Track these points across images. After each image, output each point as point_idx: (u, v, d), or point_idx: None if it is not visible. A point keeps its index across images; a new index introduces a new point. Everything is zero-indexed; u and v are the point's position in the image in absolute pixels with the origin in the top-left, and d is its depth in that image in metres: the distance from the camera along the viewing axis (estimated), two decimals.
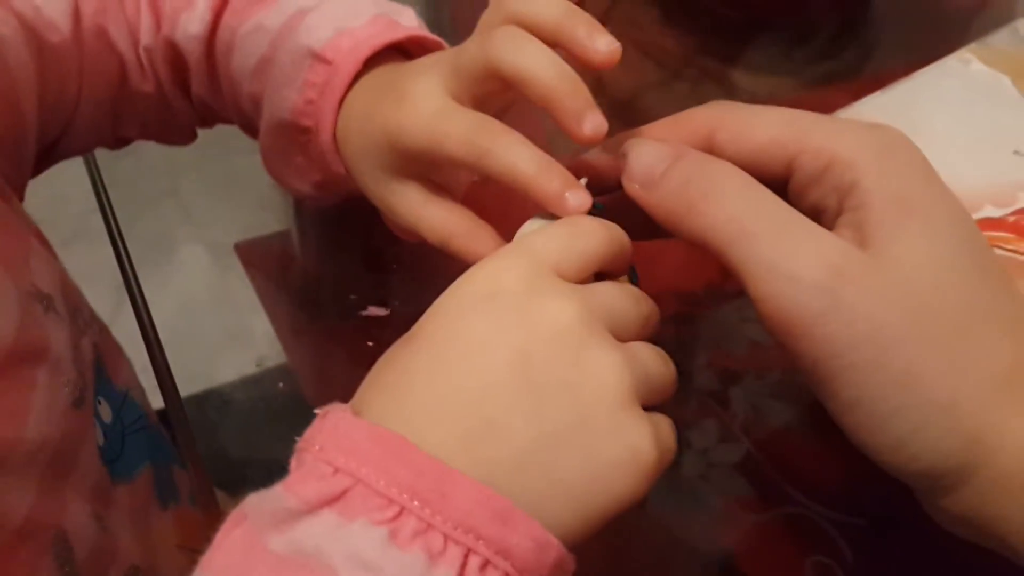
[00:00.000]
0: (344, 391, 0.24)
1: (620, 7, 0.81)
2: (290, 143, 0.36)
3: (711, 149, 0.28)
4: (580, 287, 0.25)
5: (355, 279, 0.44)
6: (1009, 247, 0.40)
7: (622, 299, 0.26)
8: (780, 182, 0.27)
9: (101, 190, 0.48)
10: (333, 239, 0.49)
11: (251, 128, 0.40)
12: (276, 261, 0.49)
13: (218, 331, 0.47)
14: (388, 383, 0.23)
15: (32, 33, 0.37)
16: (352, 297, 0.42)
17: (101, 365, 0.37)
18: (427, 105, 0.29)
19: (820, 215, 0.26)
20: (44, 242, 0.37)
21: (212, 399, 0.41)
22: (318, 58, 0.34)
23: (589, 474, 0.22)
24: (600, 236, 0.26)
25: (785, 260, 0.24)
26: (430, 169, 0.31)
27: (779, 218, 0.25)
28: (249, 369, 0.44)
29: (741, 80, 0.67)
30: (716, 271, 0.45)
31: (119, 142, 0.44)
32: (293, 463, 0.22)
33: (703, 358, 0.42)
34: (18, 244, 0.34)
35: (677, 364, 0.41)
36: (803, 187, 0.26)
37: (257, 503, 0.21)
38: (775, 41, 0.70)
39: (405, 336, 0.25)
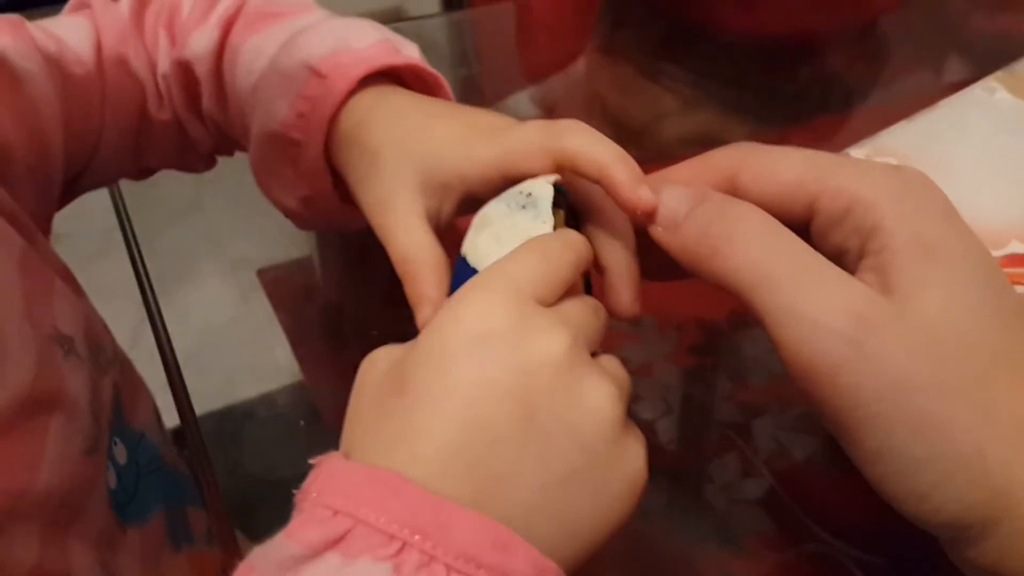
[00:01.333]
0: None
1: (623, 32, 0.81)
2: (279, 156, 0.36)
3: (735, 191, 0.28)
4: (558, 312, 0.25)
5: (376, 312, 0.44)
6: None
7: (588, 315, 0.26)
8: (802, 223, 0.27)
9: (122, 210, 0.48)
10: (356, 269, 0.49)
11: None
12: (299, 289, 0.49)
13: (237, 353, 0.47)
14: (387, 438, 0.23)
15: (56, 66, 0.37)
16: (373, 333, 0.42)
17: (119, 405, 0.37)
18: (502, 135, 0.30)
19: (842, 257, 0.26)
20: (69, 279, 0.37)
21: (229, 420, 0.41)
22: (313, 72, 0.34)
23: (595, 509, 0.23)
24: (569, 257, 0.27)
25: (808, 306, 0.24)
26: (453, 196, 0.31)
27: (802, 262, 0.24)
28: (267, 392, 0.44)
29: (749, 104, 0.67)
30: (739, 302, 0.45)
31: (142, 172, 0.45)
32: (294, 513, 0.22)
33: (725, 390, 0.42)
34: (41, 285, 0.34)
35: (699, 395, 0.41)
36: (825, 228, 0.26)
37: (262, 553, 0.21)
38: (782, 64, 0.70)
39: (394, 378, 0.24)
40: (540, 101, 0.74)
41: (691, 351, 0.44)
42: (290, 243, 0.51)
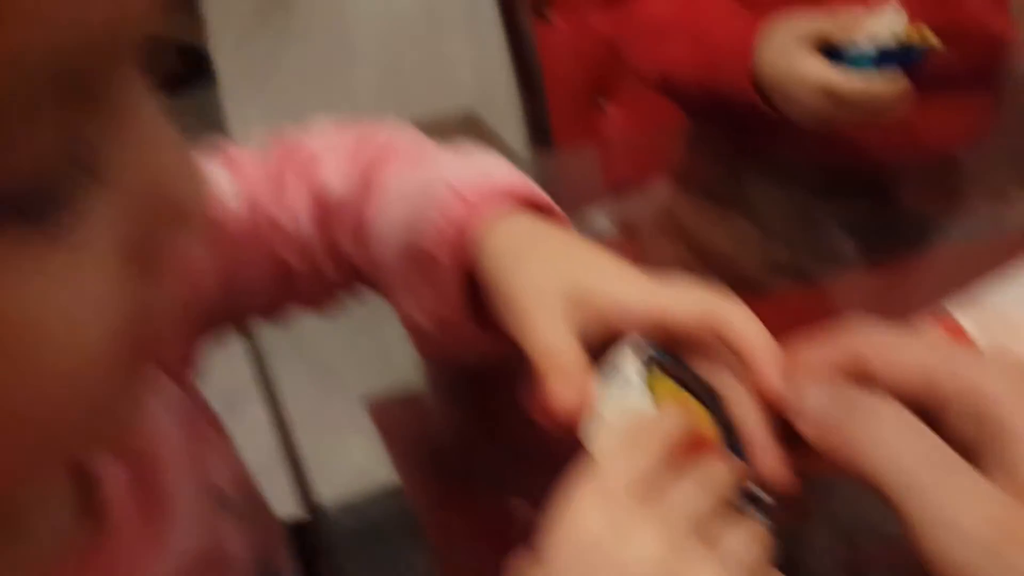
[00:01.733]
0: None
1: (698, 160, 0.84)
2: (420, 274, 0.37)
3: (863, 374, 0.29)
4: (656, 501, 0.27)
5: (485, 458, 0.46)
6: None
7: (699, 498, 0.28)
8: (921, 407, 0.28)
9: (260, 355, 0.51)
10: (468, 409, 0.51)
11: (387, 289, 0.42)
12: (410, 424, 0.51)
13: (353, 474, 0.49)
14: None
15: (218, 226, 0.41)
16: (505, 492, 0.44)
17: (255, 556, 0.38)
18: (659, 291, 0.33)
19: (958, 443, 0.27)
20: (218, 428, 0.39)
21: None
22: (459, 196, 0.36)
23: None
24: (661, 436, 0.29)
25: (953, 515, 0.25)
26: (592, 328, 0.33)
27: (944, 466, 0.26)
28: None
29: (827, 236, 0.69)
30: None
31: (279, 316, 0.47)
32: None
33: (833, 545, 0.42)
34: (197, 439, 0.36)
35: (807, 552, 0.41)
36: (943, 415, 0.28)
37: None
38: (859, 196, 0.72)
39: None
40: (616, 218, 0.76)
41: (797, 506, 0.44)
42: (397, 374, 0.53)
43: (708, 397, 0.31)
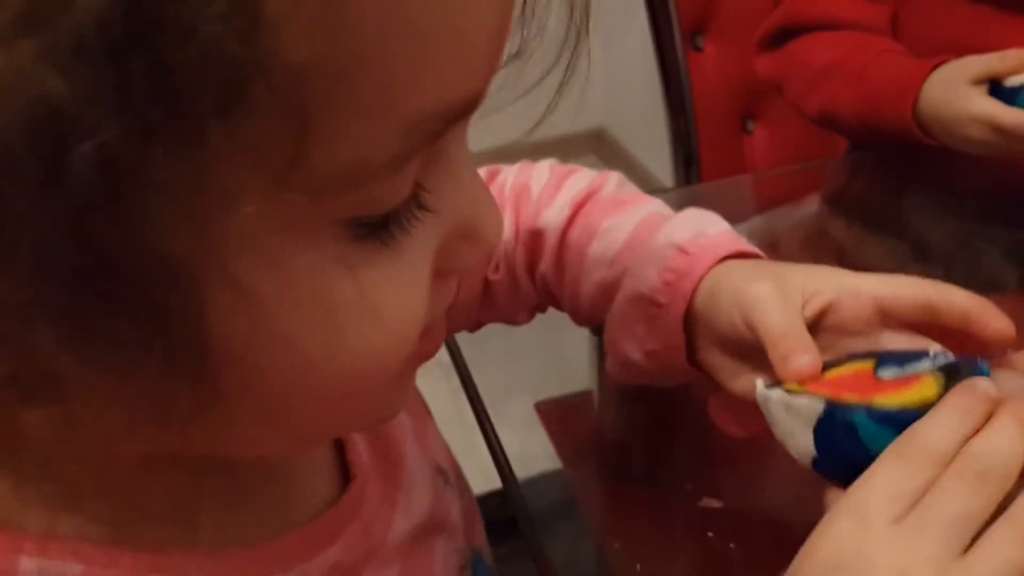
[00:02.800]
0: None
1: (854, 185, 0.84)
2: (638, 314, 0.42)
3: None
4: (911, 525, 0.28)
5: (654, 451, 0.49)
6: None
7: (959, 497, 0.28)
8: None
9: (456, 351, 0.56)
10: (633, 409, 0.54)
11: (579, 311, 0.46)
12: (576, 421, 0.54)
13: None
14: None
15: None
16: (687, 487, 0.47)
17: (467, 527, 0.42)
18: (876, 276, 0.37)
19: None
20: (430, 414, 0.44)
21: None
22: (681, 250, 0.41)
23: None
24: (938, 454, 0.29)
25: None
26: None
27: None
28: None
29: (982, 264, 0.68)
30: None
31: (476, 326, 0.52)
32: None
33: None
34: (422, 423, 0.41)
35: None
36: None
37: None
38: (1015, 226, 0.71)
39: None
40: (762, 233, 0.77)
41: None
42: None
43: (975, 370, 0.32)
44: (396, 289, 0.24)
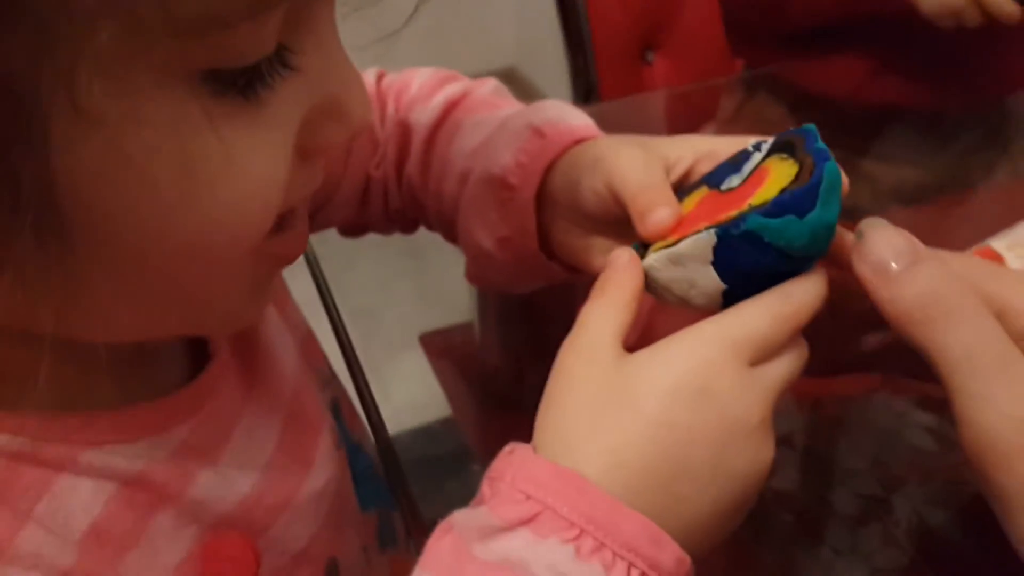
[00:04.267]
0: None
1: (751, 105, 0.85)
2: (490, 198, 0.40)
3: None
4: (763, 377, 0.29)
5: (533, 369, 0.49)
6: None
7: (792, 365, 0.30)
8: None
9: (320, 274, 0.54)
10: (512, 334, 0.54)
11: (442, 215, 0.45)
12: (459, 352, 0.54)
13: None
14: (597, 444, 0.27)
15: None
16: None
17: (340, 417, 0.42)
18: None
19: None
20: (306, 323, 0.43)
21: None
22: (536, 132, 0.40)
23: (730, 518, 0.29)
24: (799, 319, 0.29)
25: (1000, 395, 0.26)
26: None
27: (1005, 356, 0.27)
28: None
29: (878, 175, 0.69)
30: (879, 378, 0.47)
31: (356, 229, 0.50)
32: (485, 489, 0.28)
33: (865, 463, 0.44)
34: (304, 328, 0.40)
35: (839, 468, 0.43)
36: None
37: (463, 519, 0.27)
38: (910, 136, 0.72)
39: (613, 390, 0.28)
40: None
41: (830, 425, 0.46)
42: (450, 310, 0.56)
43: (818, 160, 0.29)
44: (258, 148, 0.24)
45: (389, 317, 0.56)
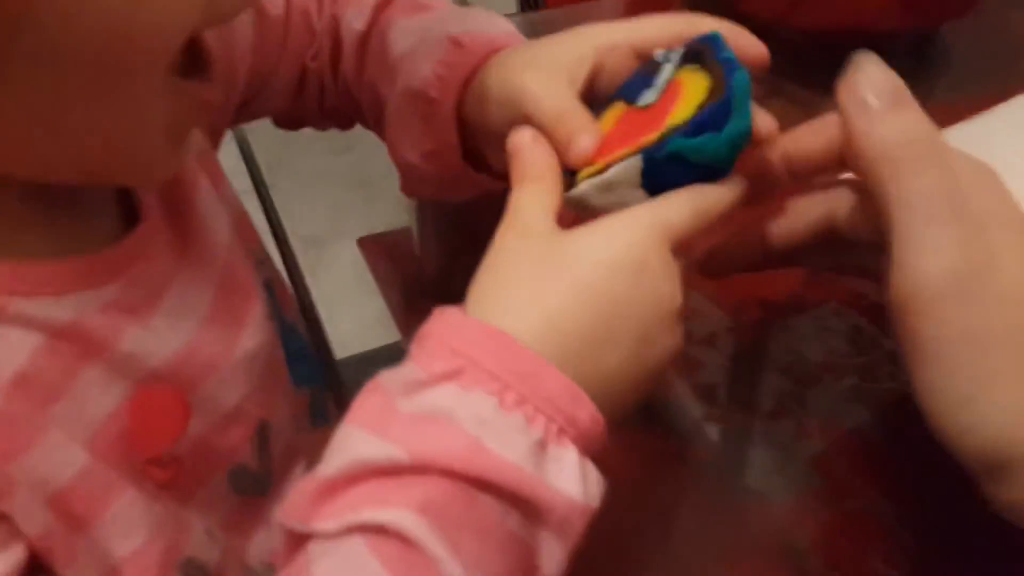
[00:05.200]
0: None
1: None
2: (414, 112, 0.40)
3: None
4: (678, 266, 0.31)
5: (468, 274, 0.50)
6: None
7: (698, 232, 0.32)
8: None
9: (259, 177, 0.54)
10: (449, 238, 0.54)
11: (379, 121, 0.45)
12: (397, 255, 0.54)
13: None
14: (525, 305, 0.29)
15: (262, 13, 0.43)
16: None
17: (273, 295, 0.43)
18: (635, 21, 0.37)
19: None
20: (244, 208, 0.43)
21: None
22: (454, 42, 0.39)
23: (642, 390, 0.31)
24: (713, 216, 0.31)
25: (945, 245, 0.28)
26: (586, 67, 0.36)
27: (960, 210, 0.28)
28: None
29: (813, 101, 0.70)
30: (799, 282, 0.50)
31: (292, 121, 0.50)
32: (413, 348, 0.29)
33: (783, 362, 0.47)
34: (238, 211, 0.41)
35: (759, 367, 0.46)
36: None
37: (388, 376, 0.28)
38: (841, 61, 0.73)
39: (546, 261, 0.29)
40: None
41: (752, 327, 0.48)
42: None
43: (728, 72, 0.31)
44: None
45: (337, 244, 0.56)
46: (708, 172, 0.31)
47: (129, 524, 0.31)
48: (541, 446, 0.27)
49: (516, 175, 0.32)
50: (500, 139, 0.38)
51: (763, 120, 0.33)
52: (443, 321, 0.29)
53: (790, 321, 0.49)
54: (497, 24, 0.41)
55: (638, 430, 0.42)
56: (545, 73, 0.35)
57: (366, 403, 0.28)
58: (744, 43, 0.34)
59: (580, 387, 0.28)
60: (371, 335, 0.53)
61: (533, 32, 0.42)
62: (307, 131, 0.50)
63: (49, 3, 0.23)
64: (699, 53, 0.32)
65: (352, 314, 0.54)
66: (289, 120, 0.50)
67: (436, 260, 0.55)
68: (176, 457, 0.34)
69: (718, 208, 0.31)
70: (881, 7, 0.75)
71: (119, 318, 0.31)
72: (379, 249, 0.54)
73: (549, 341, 0.28)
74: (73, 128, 0.26)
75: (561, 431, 0.27)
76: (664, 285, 0.30)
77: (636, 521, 0.39)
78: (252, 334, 0.37)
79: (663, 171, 0.30)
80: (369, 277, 0.53)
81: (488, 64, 0.38)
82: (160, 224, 0.34)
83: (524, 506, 0.26)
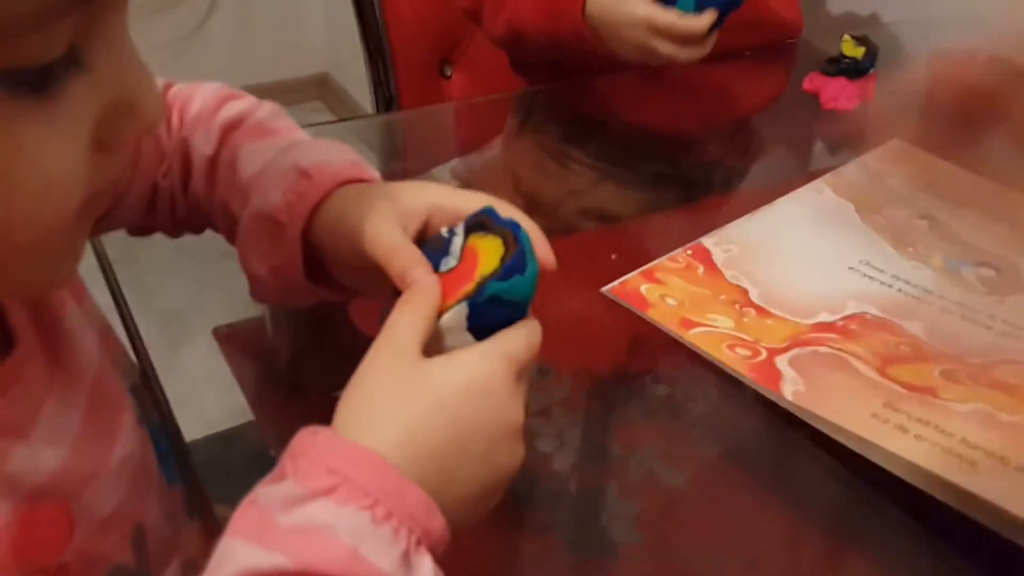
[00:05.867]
0: None
1: (532, 121, 0.93)
2: (264, 232, 0.44)
3: None
4: (522, 390, 0.36)
5: (317, 364, 0.52)
6: (836, 346, 0.52)
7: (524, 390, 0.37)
8: None
9: (109, 270, 0.55)
10: (301, 328, 0.57)
11: (230, 232, 0.48)
12: (252, 345, 0.57)
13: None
14: (368, 425, 0.32)
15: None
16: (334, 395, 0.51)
17: (142, 400, 0.44)
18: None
19: None
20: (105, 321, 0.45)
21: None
22: (303, 173, 0.44)
23: (490, 498, 0.35)
24: (538, 343, 0.37)
25: None
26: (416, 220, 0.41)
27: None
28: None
29: (642, 185, 0.79)
30: (623, 355, 0.56)
31: (142, 230, 0.52)
32: (288, 464, 0.31)
33: (609, 428, 0.52)
34: (91, 316, 0.42)
35: (588, 433, 0.51)
36: None
37: (266, 493, 0.30)
38: (670, 152, 0.83)
39: (412, 382, 0.34)
40: (460, 175, 0.84)
41: (583, 396, 0.54)
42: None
43: (514, 231, 0.38)
44: (54, 149, 0.26)
45: (194, 320, 0.58)
46: (517, 310, 0.38)
47: None
48: (406, 556, 0.30)
49: (403, 300, 0.37)
50: (339, 260, 0.43)
51: (546, 258, 0.39)
52: (316, 440, 0.32)
53: (615, 393, 0.54)
54: (343, 154, 0.46)
55: None
56: (382, 216, 0.40)
57: (245, 516, 0.30)
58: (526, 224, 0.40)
59: (434, 500, 0.32)
60: (234, 414, 0.55)
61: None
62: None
63: None
64: (481, 223, 0.39)
65: (213, 393, 0.56)
66: (141, 231, 0.52)
67: (288, 350, 0.58)
68: (64, 565, 0.35)
69: (540, 339, 0.37)
70: (691, 107, 0.85)
71: (3, 439, 0.33)
72: (233, 338, 0.56)
73: (410, 456, 0.32)
74: None
75: (419, 541, 0.31)
76: (508, 409, 0.35)
77: None
78: (124, 443, 0.39)
79: (484, 312, 0.37)
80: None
81: (332, 196, 0.43)
82: (33, 344, 0.36)
83: None
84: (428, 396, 0.33)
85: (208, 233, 0.52)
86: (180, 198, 0.49)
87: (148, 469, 0.42)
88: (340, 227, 0.42)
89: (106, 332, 0.43)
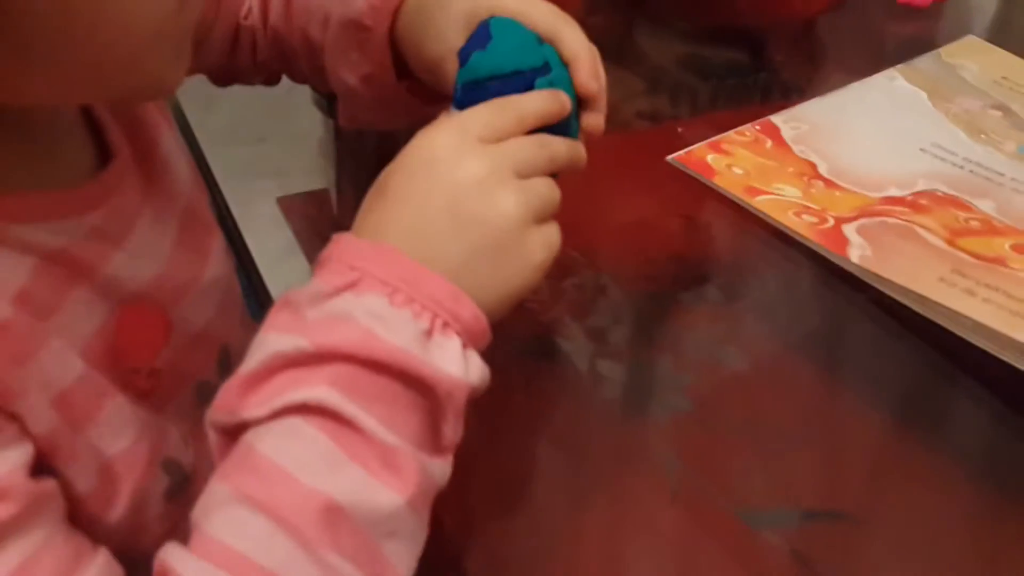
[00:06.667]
0: None
1: (595, 18, 0.91)
2: (350, 40, 0.44)
3: None
4: (493, 147, 0.34)
5: None
6: (905, 218, 0.51)
7: (527, 149, 0.35)
8: None
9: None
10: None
11: (312, 60, 0.48)
12: (315, 214, 0.58)
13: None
14: (374, 225, 0.33)
15: None
16: None
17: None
18: None
19: None
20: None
21: None
22: None
23: (502, 278, 0.33)
24: (521, 112, 0.35)
25: None
26: None
27: None
28: None
29: (699, 88, 0.77)
30: (683, 234, 0.55)
31: (225, 78, 0.53)
32: (316, 269, 0.32)
33: (667, 310, 0.52)
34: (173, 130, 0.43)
35: (645, 313, 0.50)
36: None
37: (296, 293, 0.32)
38: (731, 54, 0.81)
39: (379, 188, 0.34)
40: None
41: (641, 279, 0.54)
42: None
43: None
44: None
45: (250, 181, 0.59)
46: (505, 84, 0.36)
47: (119, 426, 0.35)
48: (427, 335, 0.30)
49: None
50: (427, 61, 0.42)
51: (587, 84, 0.38)
52: (339, 244, 0.33)
53: (675, 274, 0.54)
54: None
55: (536, 366, 0.47)
56: (464, 16, 0.40)
57: (278, 315, 0.32)
58: (583, 76, 0.39)
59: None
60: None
61: None
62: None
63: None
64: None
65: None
66: (222, 76, 0.53)
67: (352, 220, 0.59)
68: (156, 370, 0.37)
69: (521, 106, 0.36)
70: (758, 5, 0.83)
71: (102, 244, 0.35)
72: (299, 208, 0.57)
73: (408, 246, 0.32)
74: (76, 67, 0.30)
75: (446, 324, 0.31)
76: (460, 165, 0.33)
77: (530, 444, 0.43)
78: (214, 265, 0.41)
79: (472, 103, 0.36)
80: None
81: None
82: (129, 162, 0.37)
83: (415, 383, 0.30)
84: (381, 185, 0.34)
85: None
86: (261, 35, 0.50)
87: (235, 295, 0.44)
88: (419, 18, 0.42)
89: (193, 164, 0.45)
